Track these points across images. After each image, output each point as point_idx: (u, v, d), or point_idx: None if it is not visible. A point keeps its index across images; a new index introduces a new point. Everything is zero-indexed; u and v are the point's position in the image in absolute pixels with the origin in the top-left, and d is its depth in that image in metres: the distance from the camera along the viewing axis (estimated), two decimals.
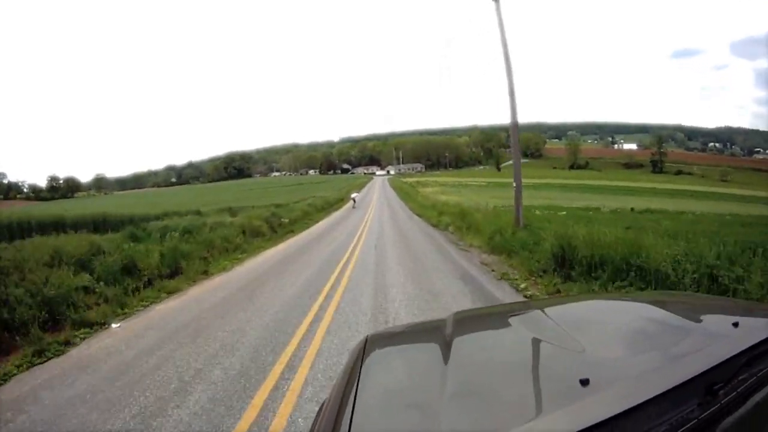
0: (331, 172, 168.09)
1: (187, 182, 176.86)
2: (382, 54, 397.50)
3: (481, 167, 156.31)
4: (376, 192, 52.64)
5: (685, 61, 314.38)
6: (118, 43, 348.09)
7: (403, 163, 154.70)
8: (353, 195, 35.97)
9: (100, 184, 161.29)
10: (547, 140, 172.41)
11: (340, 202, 38.24)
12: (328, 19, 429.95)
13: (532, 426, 0.69)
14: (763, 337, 0.88)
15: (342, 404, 0.93)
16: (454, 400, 0.84)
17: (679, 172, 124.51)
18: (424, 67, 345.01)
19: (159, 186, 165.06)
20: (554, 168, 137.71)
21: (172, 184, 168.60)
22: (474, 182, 70.37)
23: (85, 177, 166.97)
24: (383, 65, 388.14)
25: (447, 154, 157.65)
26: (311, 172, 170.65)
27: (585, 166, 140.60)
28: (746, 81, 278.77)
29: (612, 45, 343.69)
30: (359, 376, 1.03)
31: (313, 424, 1.10)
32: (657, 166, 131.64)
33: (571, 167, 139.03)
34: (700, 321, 1.08)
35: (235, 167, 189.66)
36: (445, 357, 1.04)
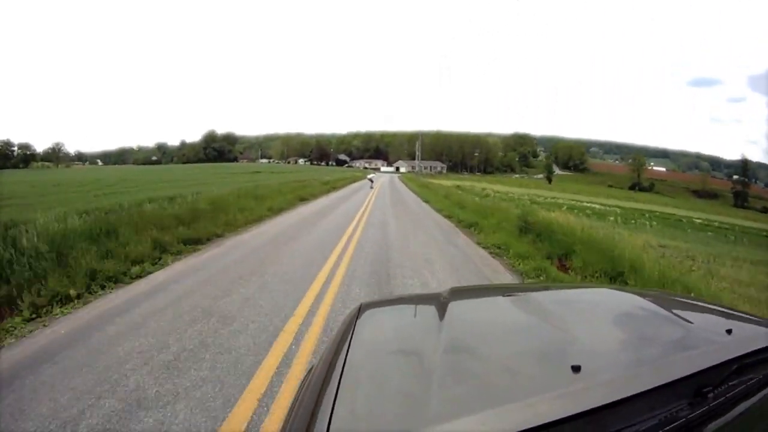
0: (324, 163, 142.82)
1: (159, 162, 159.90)
2: (397, 50, 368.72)
3: (516, 175, 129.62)
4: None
5: (703, 90, 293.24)
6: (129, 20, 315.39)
7: (418, 160, 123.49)
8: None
9: (58, 155, 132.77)
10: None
11: None
12: (345, 14, 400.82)
13: (522, 406, 0.68)
14: (755, 347, 0.90)
15: (331, 366, 0.91)
16: (444, 371, 0.83)
17: (765, 209, 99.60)
18: (442, 66, 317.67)
19: (137, 163, 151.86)
20: (610, 186, 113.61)
21: (153, 163, 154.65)
22: (576, 201, 41.41)
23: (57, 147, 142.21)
24: (398, 60, 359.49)
25: (476, 154, 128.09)
26: (300, 161, 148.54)
27: (650, 189, 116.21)
28: (762, 115, 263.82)
29: (631, 66, 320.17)
30: (350, 340, 1.01)
31: (300, 386, 1.06)
32: (739, 199, 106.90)
33: (632, 188, 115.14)
34: (695, 323, 1.07)
35: (215, 148, 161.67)
36: (439, 326, 1.04)
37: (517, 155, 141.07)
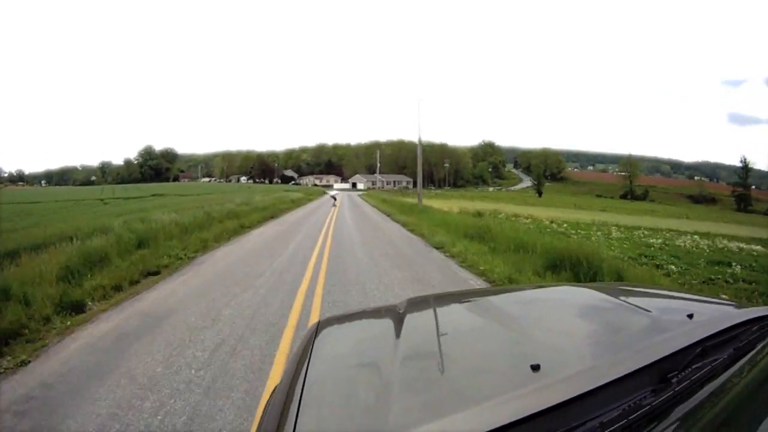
0: (267, 180, 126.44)
1: (94, 182, 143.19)
2: (351, 57, 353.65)
3: (491, 188, 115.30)
4: None
5: (659, 94, 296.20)
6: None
7: (380, 173, 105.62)
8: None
9: None
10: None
11: None
12: (295, 19, 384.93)
13: (482, 409, 0.67)
14: (717, 329, 0.89)
15: (292, 384, 0.91)
16: (404, 379, 0.84)
17: None
18: (399, 73, 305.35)
19: (76, 184, 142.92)
20: (598, 195, 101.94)
21: (91, 183, 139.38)
22: (660, 228, 24.80)
23: None
24: (353, 68, 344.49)
25: (446, 165, 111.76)
26: (243, 179, 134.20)
27: (643, 197, 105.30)
28: (719, 120, 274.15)
29: (585, 71, 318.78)
30: (310, 357, 1.01)
31: (265, 408, 1.06)
32: (742, 203, 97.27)
33: (624, 196, 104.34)
34: (656, 311, 1.07)
35: (151, 167, 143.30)
36: (397, 337, 1.04)
37: (488, 165, 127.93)
